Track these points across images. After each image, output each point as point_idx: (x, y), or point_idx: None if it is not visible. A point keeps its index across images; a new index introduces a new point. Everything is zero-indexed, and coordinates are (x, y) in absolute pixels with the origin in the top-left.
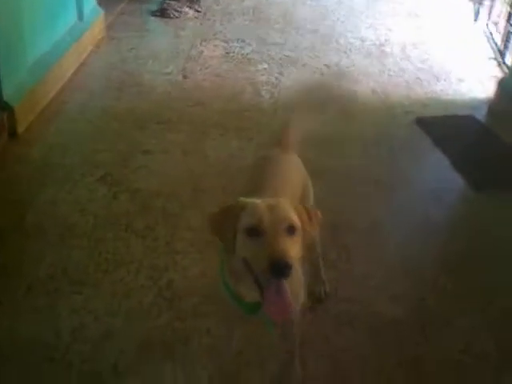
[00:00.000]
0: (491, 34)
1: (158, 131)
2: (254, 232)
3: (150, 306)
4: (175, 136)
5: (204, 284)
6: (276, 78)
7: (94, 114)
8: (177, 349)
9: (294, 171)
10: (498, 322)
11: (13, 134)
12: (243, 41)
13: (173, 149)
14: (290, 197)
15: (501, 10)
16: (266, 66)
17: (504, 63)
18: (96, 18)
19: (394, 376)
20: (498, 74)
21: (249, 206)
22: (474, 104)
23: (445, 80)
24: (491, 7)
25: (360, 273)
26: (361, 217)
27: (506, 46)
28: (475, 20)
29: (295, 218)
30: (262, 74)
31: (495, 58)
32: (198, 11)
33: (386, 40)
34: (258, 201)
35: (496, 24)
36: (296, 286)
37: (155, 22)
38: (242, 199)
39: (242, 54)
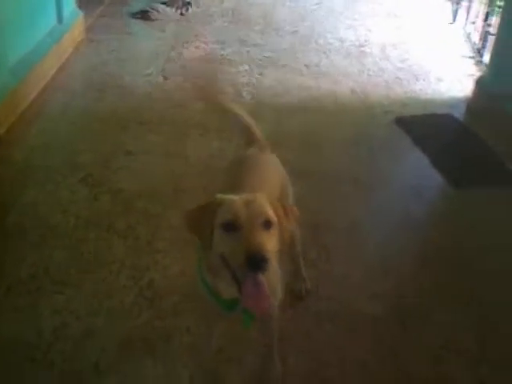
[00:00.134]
0: (469, 33)
1: (140, 132)
2: (231, 227)
3: (131, 305)
4: (156, 137)
5: (184, 283)
6: (256, 79)
7: (76, 115)
8: (157, 347)
9: (271, 170)
10: (478, 318)
11: None
12: (223, 42)
13: (154, 149)
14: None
15: (478, 10)
16: (246, 67)
17: (482, 62)
18: (75, 21)
19: (373, 372)
20: (476, 72)
21: (225, 202)
22: (453, 103)
23: (424, 79)
24: (469, 7)
25: (340, 272)
26: (340, 216)
27: (483, 46)
28: (453, 20)
29: (271, 213)
30: (243, 76)
31: (473, 57)
32: (182, 14)
33: (365, 40)
34: (234, 197)
35: (474, 24)
36: (273, 280)
37: (135, 25)
38: (220, 196)
39: (222, 55)
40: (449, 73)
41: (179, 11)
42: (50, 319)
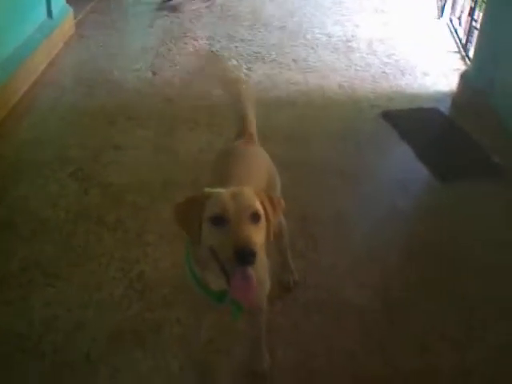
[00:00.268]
0: (455, 28)
1: (129, 127)
2: (219, 221)
3: (121, 297)
4: (145, 131)
5: (174, 275)
6: (245, 74)
7: (65, 110)
8: (148, 338)
9: (258, 162)
10: (464, 309)
11: None
12: (212, 38)
13: (143, 144)
14: (254, 187)
15: (463, 5)
16: (234, 62)
17: (467, 57)
18: (65, 16)
19: (361, 361)
20: (462, 67)
21: (213, 195)
22: (439, 97)
23: (410, 74)
24: (454, 2)
25: (327, 262)
26: (328, 208)
27: (468, 40)
28: (441, 16)
29: (258, 206)
30: (232, 71)
31: (459, 52)
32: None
33: (352, 36)
34: (222, 190)
35: (459, 19)
36: (261, 272)
37: (124, 21)
38: (207, 189)
39: (211, 51)
40: (435, 67)
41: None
42: (42, 311)
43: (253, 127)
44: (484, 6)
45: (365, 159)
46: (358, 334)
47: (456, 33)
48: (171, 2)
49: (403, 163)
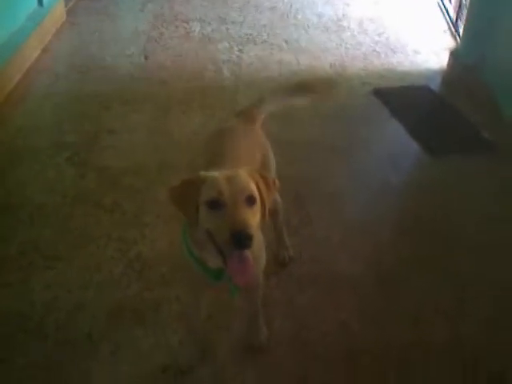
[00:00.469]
0: (445, 7)
1: (123, 111)
2: (215, 204)
3: (120, 276)
4: (140, 115)
5: (172, 254)
6: (237, 56)
7: (60, 96)
8: (147, 316)
9: (251, 140)
10: (456, 282)
11: None
12: (203, 21)
13: (138, 127)
14: (248, 166)
15: None
16: (226, 44)
17: (458, 35)
18: (56, 3)
19: (355, 333)
20: (452, 45)
21: (208, 179)
22: (429, 74)
23: (401, 52)
24: None
25: (321, 237)
26: (321, 185)
27: (459, 19)
28: None
29: (253, 188)
30: (223, 53)
31: (449, 31)
32: None
33: (343, 15)
34: (216, 173)
35: None
36: (257, 250)
37: (115, 6)
38: (203, 173)
39: (203, 34)
40: (425, 46)
41: None
42: (42, 293)
43: (260, 113)
44: None
45: (356, 136)
46: (351, 307)
47: (446, 11)
48: None
49: (394, 139)
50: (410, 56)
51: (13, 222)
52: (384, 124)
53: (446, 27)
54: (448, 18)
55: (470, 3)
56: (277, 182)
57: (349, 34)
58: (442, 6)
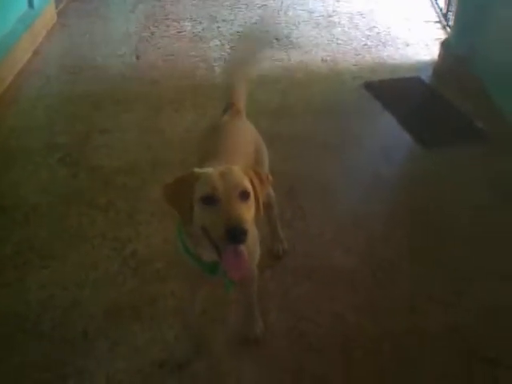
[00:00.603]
0: None
1: (115, 111)
2: (210, 200)
3: (116, 274)
4: (132, 114)
5: (167, 250)
6: (228, 54)
7: (52, 97)
8: (143, 311)
9: (245, 136)
10: (450, 272)
11: None
12: (194, 19)
13: (130, 127)
14: (242, 161)
15: None
16: (217, 42)
17: (448, 26)
18: (46, 5)
19: (350, 323)
20: (443, 36)
21: (202, 176)
22: (420, 66)
23: (392, 45)
24: None
25: (315, 230)
26: (314, 179)
27: (449, 10)
28: None
29: (247, 183)
30: (214, 51)
31: (439, 22)
32: None
33: (333, 11)
34: (210, 170)
35: None
36: (251, 244)
37: (106, 7)
38: (196, 170)
39: (194, 33)
40: (416, 38)
41: None
42: (38, 292)
43: (241, 102)
44: None
45: (349, 130)
46: (346, 298)
47: (436, 3)
48: None
49: (387, 132)
50: (400, 49)
51: (8, 222)
52: (376, 117)
53: (436, 19)
54: (438, 10)
55: None
56: (270, 176)
57: (339, 29)
58: None
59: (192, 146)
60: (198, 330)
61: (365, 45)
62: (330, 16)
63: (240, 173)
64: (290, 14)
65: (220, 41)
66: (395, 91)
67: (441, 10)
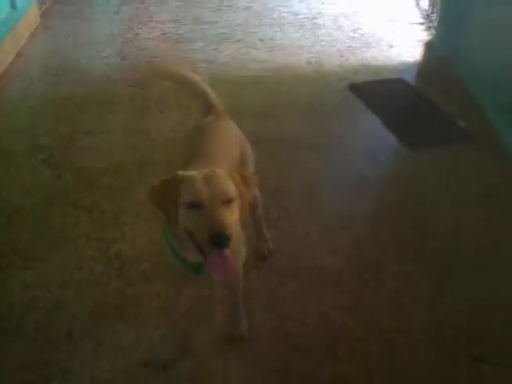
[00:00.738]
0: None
1: (99, 113)
2: (194, 205)
3: (100, 275)
4: (116, 116)
5: (152, 251)
6: (212, 55)
7: (35, 99)
8: (128, 312)
9: (229, 137)
10: (433, 268)
11: None
12: (178, 21)
13: (115, 128)
14: (226, 163)
15: None
16: (201, 44)
17: (432, 28)
18: (29, 7)
19: (336, 323)
20: (427, 38)
21: (186, 178)
22: (404, 68)
23: (375, 47)
24: None
25: (300, 231)
26: (299, 180)
27: (433, 11)
28: None
29: (231, 188)
30: (198, 52)
31: (423, 23)
32: None
33: (318, 13)
34: (194, 173)
35: None
36: (236, 244)
37: (90, 9)
38: (180, 173)
39: (178, 34)
40: (400, 39)
41: None
42: (21, 293)
43: (218, 102)
44: None
45: (334, 131)
46: (332, 299)
47: (420, 4)
48: None
49: (371, 133)
50: (384, 50)
51: None
52: (361, 118)
53: (420, 20)
54: (422, 11)
55: None
56: (256, 178)
57: (324, 31)
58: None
59: (177, 146)
60: (183, 329)
61: (349, 46)
62: (315, 18)
63: (225, 177)
64: (275, 15)
65: (204, 42)
66: (379, 92)
67: (425, 11)
